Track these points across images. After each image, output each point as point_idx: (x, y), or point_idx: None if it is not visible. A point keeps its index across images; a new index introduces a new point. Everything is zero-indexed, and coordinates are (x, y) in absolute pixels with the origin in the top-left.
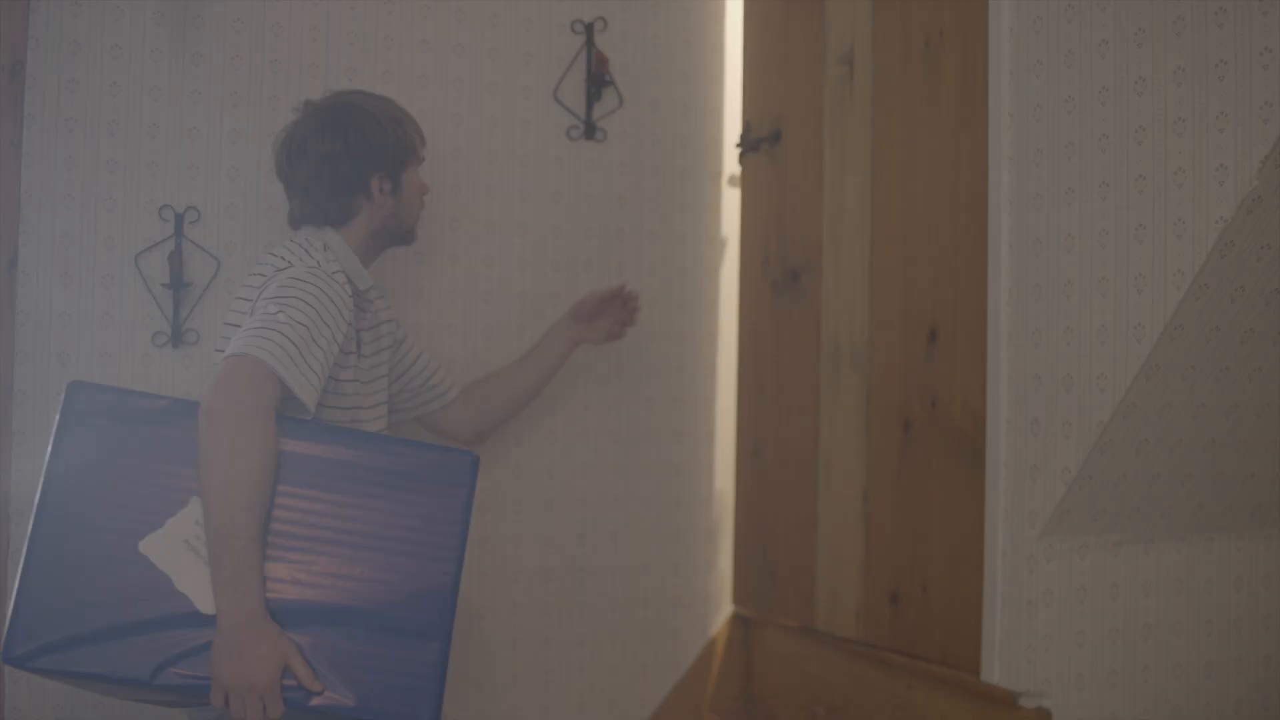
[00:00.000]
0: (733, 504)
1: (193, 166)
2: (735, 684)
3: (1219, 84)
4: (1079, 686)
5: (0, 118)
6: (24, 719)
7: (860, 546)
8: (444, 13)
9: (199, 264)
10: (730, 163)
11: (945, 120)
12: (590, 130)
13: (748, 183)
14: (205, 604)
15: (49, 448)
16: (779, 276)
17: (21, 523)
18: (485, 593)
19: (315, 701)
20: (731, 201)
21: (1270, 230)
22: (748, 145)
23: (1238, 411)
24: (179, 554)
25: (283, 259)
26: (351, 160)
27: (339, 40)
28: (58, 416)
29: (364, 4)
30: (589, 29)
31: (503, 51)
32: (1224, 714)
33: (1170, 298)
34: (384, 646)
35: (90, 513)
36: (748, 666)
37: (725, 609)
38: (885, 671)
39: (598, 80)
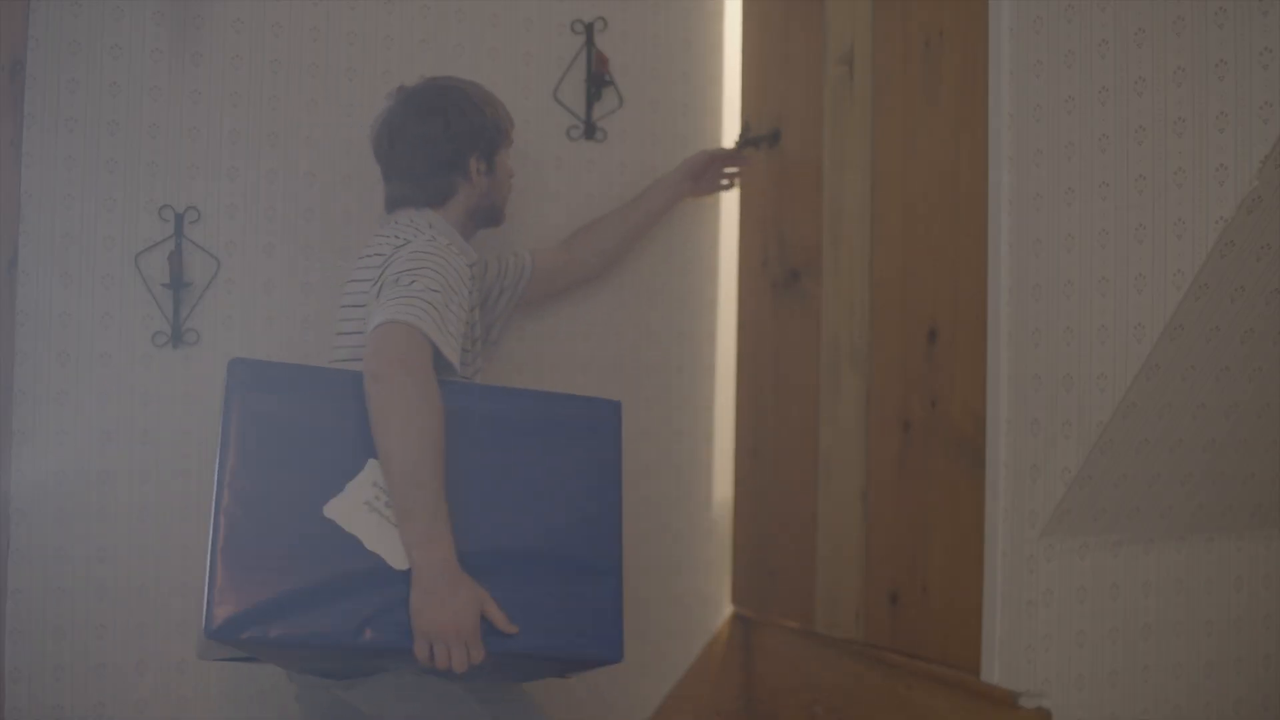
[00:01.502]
0: (732, 504)
1: (193, 166)
2: (735, 684)
3: (1219, 84)
4: (1079, 686)
5: (0, 118)
6: (24, 719)
7: (860, 547)
8: (444, 13)
9: (199, 264)
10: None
11: (945, 120)
12: (590, 130)
13: (746, 182)
14: (397, 560)
15: (221, 425)
16: (779, 277)
17: (22, 522)
18: None
19: (512, 643)
20: (731, 201)
21: (1270, 230)
22: (746, 145)
23: (1238, 411)
24: (362, 516)
25: (397, 237)
26: (451, 141)
27: (339, 40)
28: (224, 394)
29: (364, 4)
30: (589, 29)
31: (503, 51)
32: (1224, 714)
33: (1170, 298)
34: (564, 586)
35: (271, 484)
36: (748, 666)
37: (725, 609)
38: (885, 671)
39: (598, 80)
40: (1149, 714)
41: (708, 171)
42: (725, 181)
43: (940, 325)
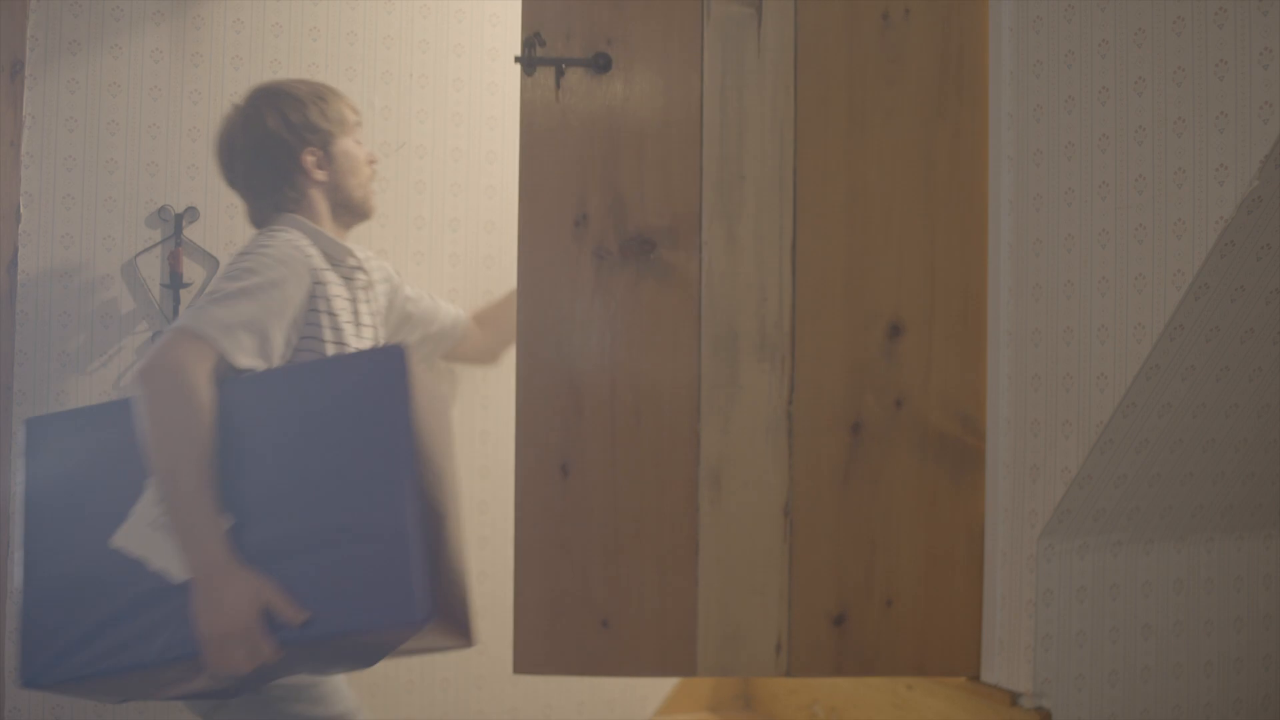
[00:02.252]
0: (515, 543)
1: (193, 166)
2: (735, 684)
3: (1219, 84)
4: (1079, 686)
5: (0, 118)
6: (24, 719)
7: (781, 569)
8: (444, 13)
9: (199, 264)
10: None
11: (911, 103)
12: None
13: (537, 114)
14: (179, 572)
15: (20, 482)
16: (611, 244)
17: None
18: (486, 592)
19: (306, 631)
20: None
21: (1270, 230)
22: (534, 64)
23: (1238, 411)
24: (147, 537)
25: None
26: (279, 142)
27: (339, 40)
28: (23, 456)
29: (364, 4)
30: None
31: (502, 52)
32: (1224, 714)
33: (1170, 298)
34: (356, 558)
35: (68, 526)
36: None
37: None
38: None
39: None
40: (1149, 714)
41: None
42: None
43: (908, 320)
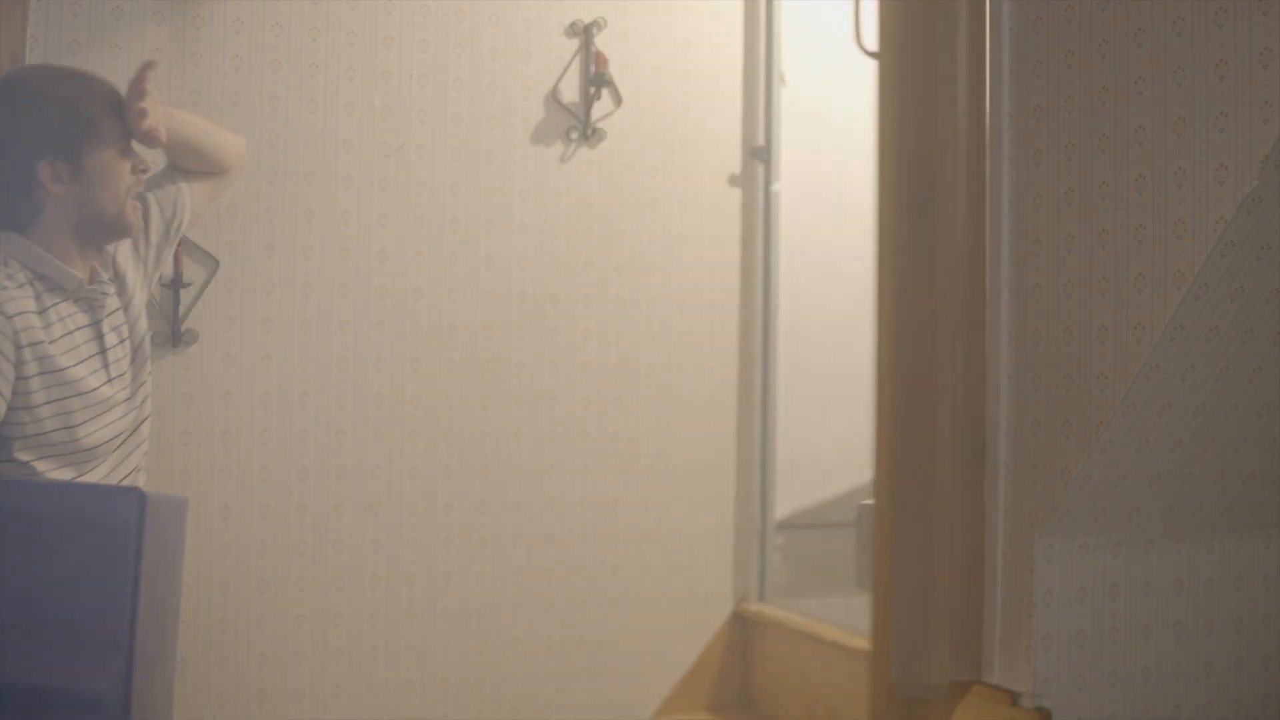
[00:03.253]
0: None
1: None
2: (735, 684)
3: (1219, 84)
4: (1079, 686)
5: None
6: None
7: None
8: (444, 13)
9: (199, 264)
10: (730, 163)
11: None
12: (589, 131)
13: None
14: None
15: None
16: (911, 193)
17: None
18: (485, 593)
19: None
20: (732, 201)
21: (1270, 230)
22: None
23: (1238, 411)
24: None
25: None
26: (6, 148)
27: (339, 40)
28: None
29: (364, 4)
30: (588, 30)
31: (502, 51)
32: (1224, 714)
33: (1170, 298)
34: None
35: None
36: (747, 666)
37: (725, 609)
38: None
39: (597, 80)
40: (1149, 714)
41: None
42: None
43: None
